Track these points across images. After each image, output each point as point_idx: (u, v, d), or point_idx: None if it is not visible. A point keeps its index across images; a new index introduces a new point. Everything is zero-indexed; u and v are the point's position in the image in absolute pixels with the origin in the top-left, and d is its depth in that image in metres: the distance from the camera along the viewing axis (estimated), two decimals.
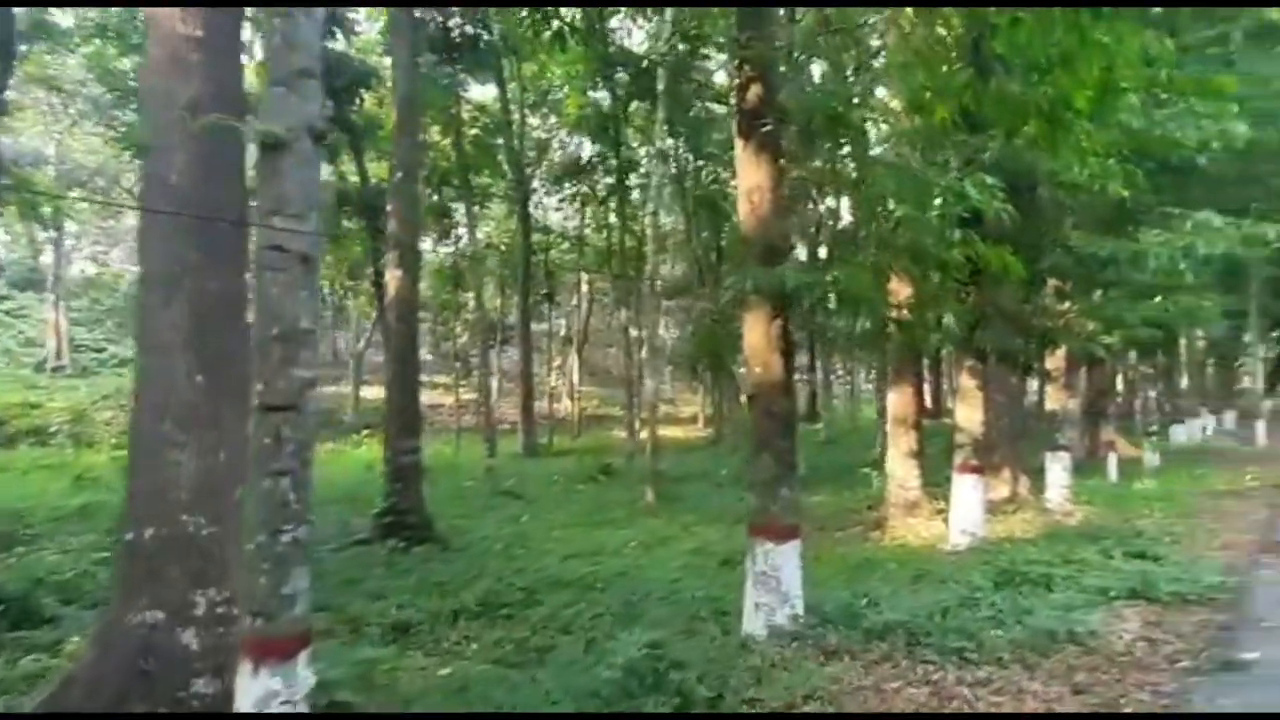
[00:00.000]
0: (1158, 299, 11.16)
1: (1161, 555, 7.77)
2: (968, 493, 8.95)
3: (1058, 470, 11.34)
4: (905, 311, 8.71)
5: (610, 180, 24.34)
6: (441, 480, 18.25)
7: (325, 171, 25.63)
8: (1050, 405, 11.57)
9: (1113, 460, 14.07)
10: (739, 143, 6.01)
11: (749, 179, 5.89)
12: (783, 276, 5.63)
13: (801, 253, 16.94)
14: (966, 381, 8.90)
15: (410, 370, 10.36)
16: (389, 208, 10.77)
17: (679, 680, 4.62)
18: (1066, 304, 11.12)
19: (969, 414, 8.92)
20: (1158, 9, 9.12)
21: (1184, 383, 23.48)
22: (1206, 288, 20.01)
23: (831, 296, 5.64)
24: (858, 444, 22.30)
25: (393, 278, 10.15)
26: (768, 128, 5.65)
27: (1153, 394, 19.57)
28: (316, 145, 3.39)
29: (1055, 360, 11.39)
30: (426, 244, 29.15)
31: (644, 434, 21.03)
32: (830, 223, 17.46)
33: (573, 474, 18.64)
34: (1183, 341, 22.16)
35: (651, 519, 12.76)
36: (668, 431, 33.78)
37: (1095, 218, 8.31)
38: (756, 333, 5.90)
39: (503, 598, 7.48)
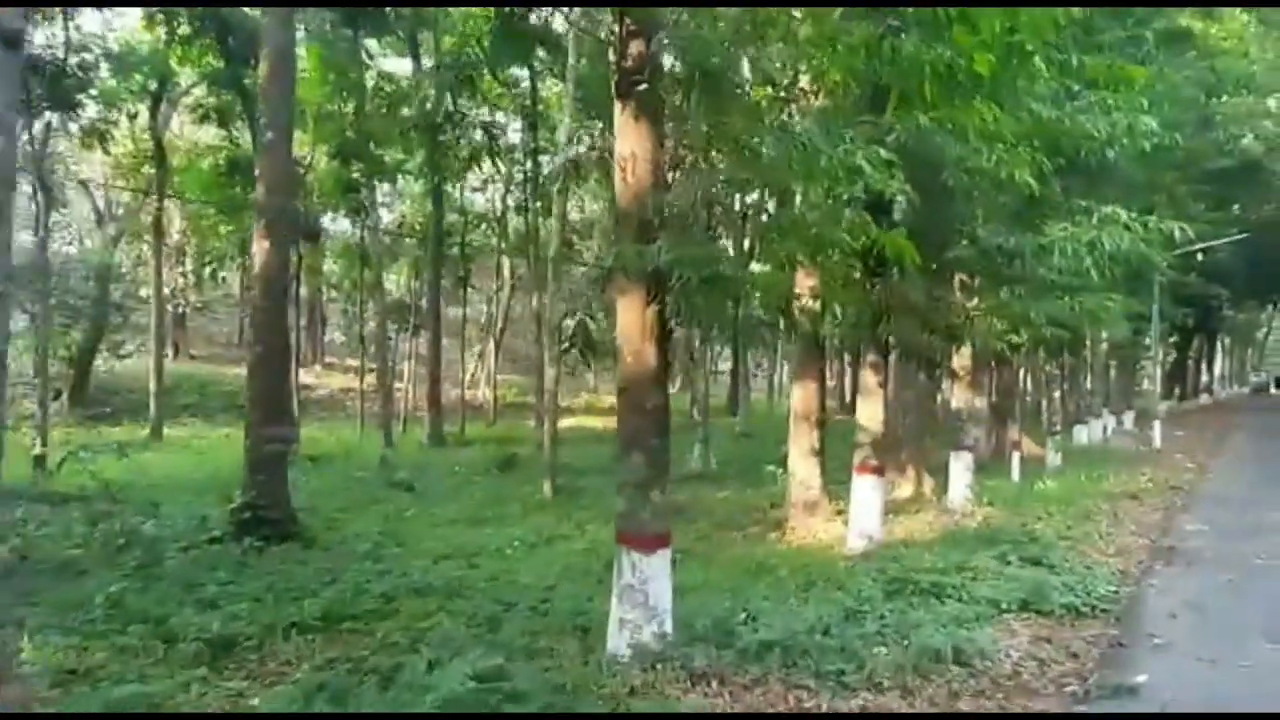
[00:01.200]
0: (1065, 299, 11.09)
1: (1056, 563, 7.51)
2: (867, 494, 8.57)
3: (960, 470, 11.14)
4: (807, 301, 8.27)
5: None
6: (332, 470, 17.23)
7: (212, 135, 24.13)
8: (956, 404, 11.31)
9: (1016, 460, 14.04)
10: (617, 106, 5.36)
11: (625, 145, 5.26)
12: (652, 255, 5.02)
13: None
14: (869, 378, 8.50)
15: (275, 351, 9.41)
16: (256, 172, 9.76)
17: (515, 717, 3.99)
18: (974, 300, 10.91)
19: (870, 412, 8.53)
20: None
21: (1089, 384, 24.03)
22: (1113, 289, 20.45)
23: (693, 279, 4.99)
24: (773, 438, 22.09)
25: (259, 249, 9.18)
26: (644, 87, 5.02)
27: (1057, 394, 19.83)
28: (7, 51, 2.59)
29: (963, 358, 11.14)
30: (340, 222, 27.99)
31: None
32: (755, 214, 17.07)
33: (475, 464, 17.83)
34: (1089, 343, 22.62)
35: (545, 515, 12.10)
36: (587, 421, 33.22)
37: (1003, 210, 8.01)
38: (627, 318, 5.28)
39: (354, 607, 6.70)
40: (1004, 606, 6.24)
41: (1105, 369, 26.98)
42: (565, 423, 33.28)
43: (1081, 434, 19.98)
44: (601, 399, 39.10)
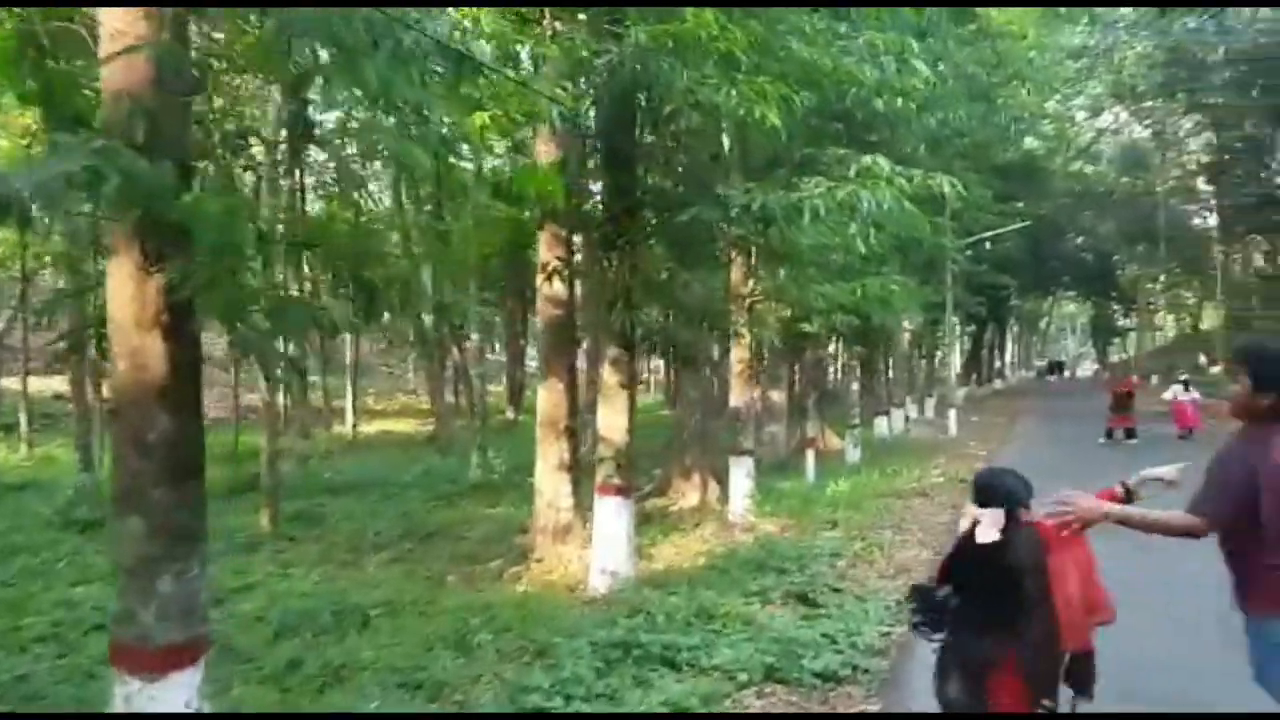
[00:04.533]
0: (848, 283, 10.03)
1: (823, 599, 6.16)
2: (610, 521, 6.92)
3: (740, 477, 9.82)
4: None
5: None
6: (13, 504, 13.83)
7: None
8: (734, 402, 9.98)
9: (810, 459, 13.05)
10: None
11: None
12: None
13: None
14: (609, 377, 6.84)
15: None
16: None
17: None
18: (751, 284, 9.60)
19: (612, 419, 6.88)
20: None
21: (891, 373, 24.13)
22: (906, 274, 20.25)
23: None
24: (643, 435, 20.33)
25: None
26: None
27: (855, 386, 19.42)
28: None
29: (741, 350, 9.80)
30: None
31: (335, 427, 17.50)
32: None
33: (213, 488, 14.91)
34: (889, 332, 22.55)
35: (254, 555, 9.71)
36: (398, 425, 30.36)
37: (759, 165, 6.66)
38: (119, 299, 3.24)
39: None
40: (743, 679, 4.72)
41: (907, 358, 27.40)
42: (370, 427, 30.47)
43: (883, 425, 19.69)
44: (421, 400, 36.13)
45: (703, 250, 6.59)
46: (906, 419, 22.35)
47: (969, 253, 29.61)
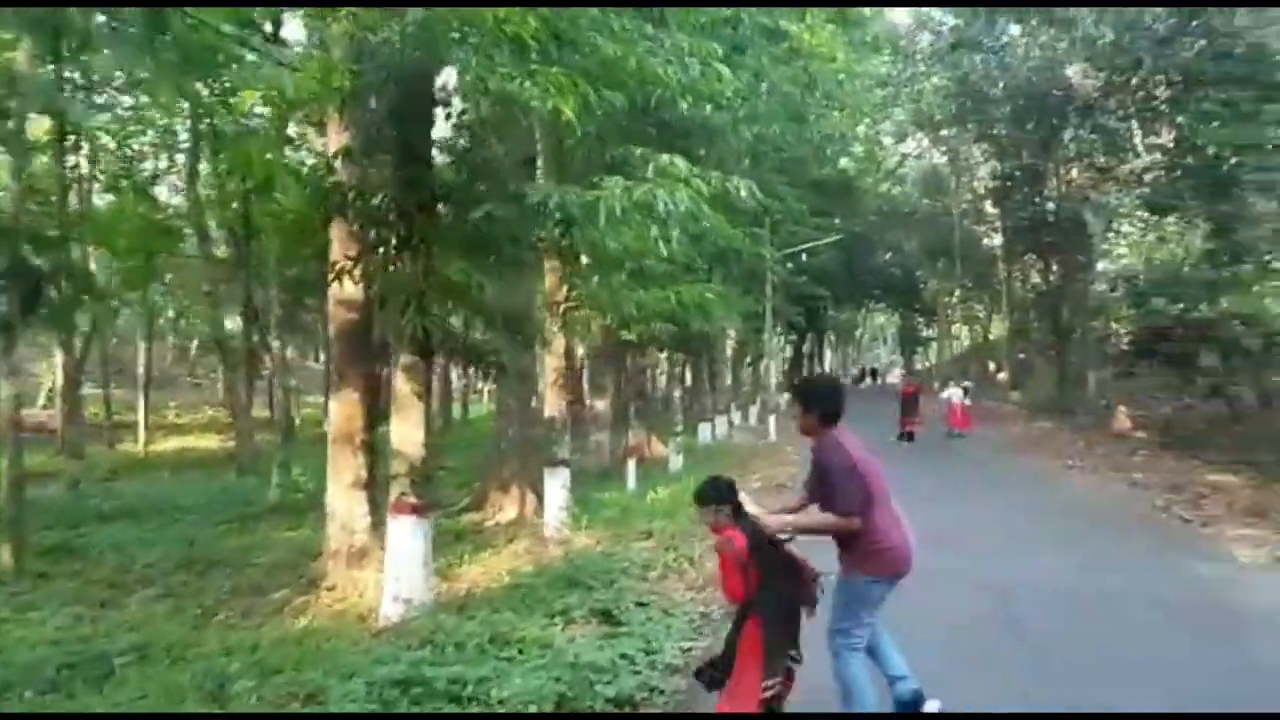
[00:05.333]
0: (662, 289, 9.97)
1: (628, 616, 5.92)
2: (404, 543, 6.37)
3: (555, 489, 9.48)
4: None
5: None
6: None
7: None
8: (549, 411, 9.64)
9: (632, 467, 12.94)
10: None
11: None
12: None
13: None
14: (402, 386, 6.29)
15: None
16: None
17: None
18: (565, 290, 9.31)
19: (407, 431, 6.34)
20: None
21: (716, 380, 24.72)
22: (730, 281, 20.74)
23: None
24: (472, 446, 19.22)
25: None
26: None
27: (678, 393, 19.68)
28: None
29: (555, 358, 9.48)
30: None
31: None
32: None
33: None
34: (713, 339, 23.07)
35: None
36: (201, 441, 27.64)
37: (579, 169, 6.39)
38: None
39: None
40: (532, 711, 4.37)
41: (732, 365, 28.21)
42: (167, 444, 27.55)
43: (707, 432, 20.03)
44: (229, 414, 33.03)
45: (503, 252, 6.20)
46: (730, 425, 22.92)
47: (789, 265, 31.05)
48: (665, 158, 5.37)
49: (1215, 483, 11.17)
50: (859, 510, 3.49)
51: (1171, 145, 19.16)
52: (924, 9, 27.77)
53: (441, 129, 6.52)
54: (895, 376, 67.68)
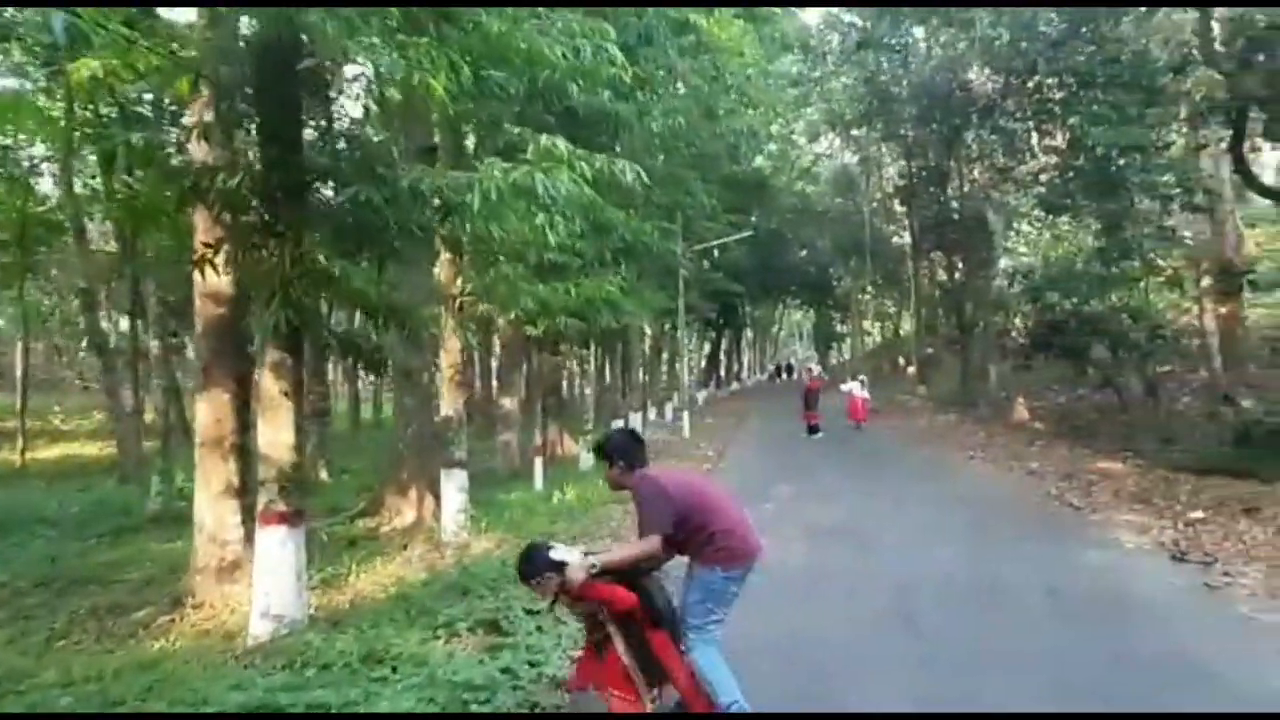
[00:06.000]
0: (563, 284, 9.66)
1: (513, 628, 5.59)
2: (274, 555, 5.88)
3: (453, 492, 9.06)
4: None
5: None
6: None
7: None
8: (446, 410, 9.20)
9: (539, 467, 12.57)
10: None
11: None
12: None
13: None
14: (270, 385, 5.80)
15: None
16: None
17: None
18: (460, 283, 8.89)
19: (275, 434, 5.84)
20: None
21: (633, 377, 24.54)
22: (645, 277, 20.54)
23: None
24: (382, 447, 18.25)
25: None
26: None
27: (589, 390, 19.37)
28: None
29: (450, 354, 9.05)
30: None
31: None
32: None
33: None
34: (627, 335, 22.88)
35: None
36: (88, 448, 25.85)
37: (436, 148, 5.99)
38: None
39: None
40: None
41: (647, 362, 28.07)
42: (50, 451, 25.64)
43: None
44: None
45: (381, 241, 5.77)
46: (645, 422, 22.74)
47: (705, 262, 31.14)
48: (545, 138, 5.05)
49: (1104, 470, 11.56)
50: (665, 529, 3.67)
51: (1065, 147, 19.88)
52: (832, 9, 28.20)
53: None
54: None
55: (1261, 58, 12.01)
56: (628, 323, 16.79)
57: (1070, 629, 5.34)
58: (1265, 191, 19.47)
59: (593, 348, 23.91)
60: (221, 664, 5.66)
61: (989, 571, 6.76)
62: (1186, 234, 19.10)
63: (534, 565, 3.66)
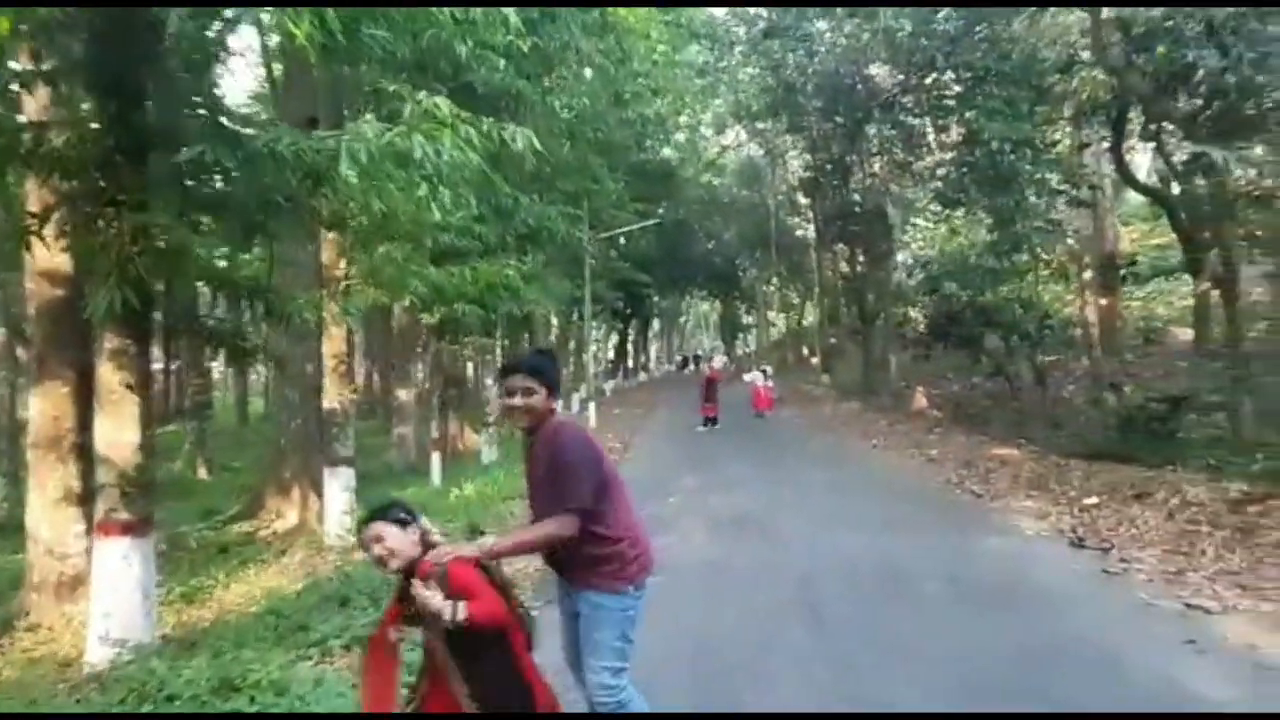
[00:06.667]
0: (460, 267, 9.10)
1: None
2: (115, 570, 5.17)
3: (337, 491, 8.41)
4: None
5: None
6: None
7: None
8: (329, 403, 8.51)
9: (436, 461, 11.93)
10: None
11: None
12: None
13: None
14: (109, 376, 5.08)
15: None
16: None
17: None
18: (344, 264, 8.22)
19: (115, 432, 5.13)
20: None
21: None
22: (552, 265, 19.99)
23: None
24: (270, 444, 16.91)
25: None
26: None
27: (490, 381, 18.71)
28: None
29: (333, 343, 8.36)
30: None
31: None
32: None
33: None
34: (536, 324, 22.31)
35: None
36: None
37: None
38: None
39: None
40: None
41: (557, 351, 27.43)
42: None
43: None
44: None
45: (244, 213, 5.12)
46: None
47: (613, 251, 30.78)
48: (425, 95, 4.51)
49: (1001, 456, 11.79)
50: (589, 503, 2.79)
51: (960, 141, 20.42)
52: None
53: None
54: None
55: (1141, 59, 12.46)
56: (532, 311, 16.23)
57: (976, 619, 5.22)
58: (1143, 189, 20.50)
59: (499, 337, 23.24)
60: (51, 696, 4.95)
61: (894, 561, 6.64)
62: (1071, 229, 19.95)
63: (399, 511, 2.71)
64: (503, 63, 7.37)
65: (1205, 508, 7.04)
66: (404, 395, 14.16)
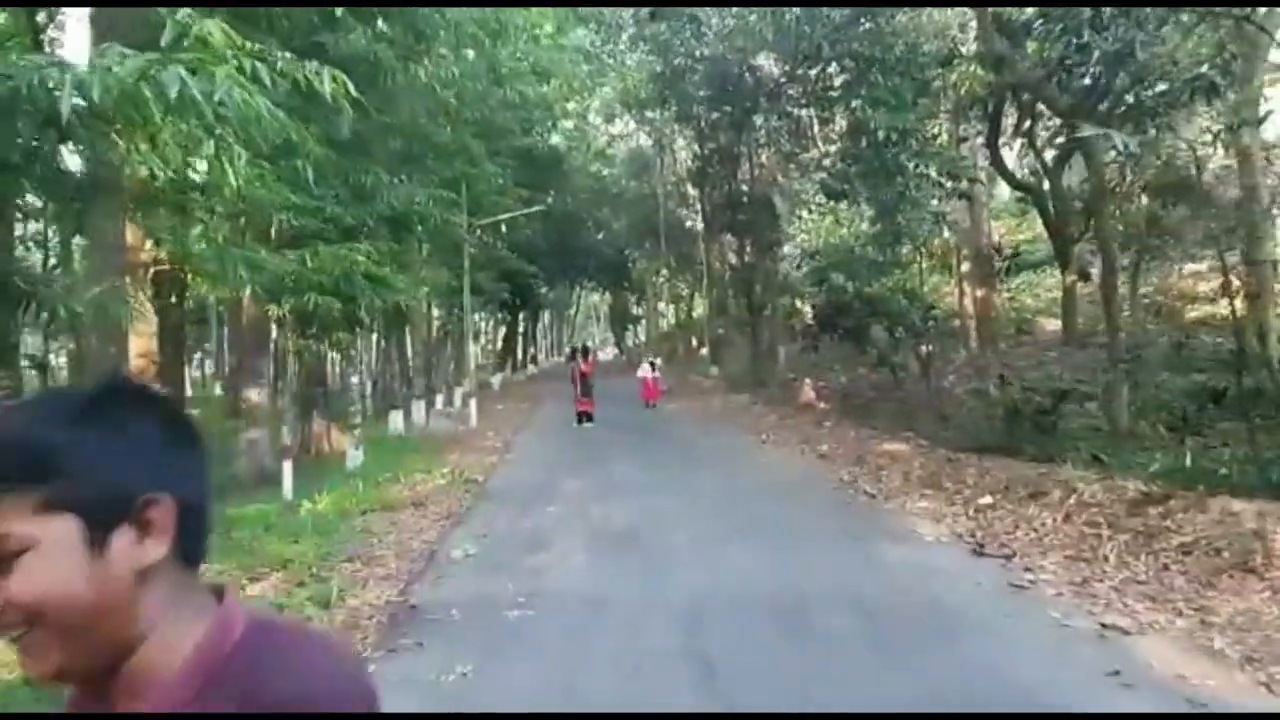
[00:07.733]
0: (301, 251, 7.92)
1: None
2: None
3: None
4: None
5: None
6: None
7: None
8: None
9: (288, 470, 10.60)
10: None
11: None
12: None
13: None
14: None
15: None
16: None
17: None
18: (151, 245, 6.92)
19: None
20: None
21: (416, 361, 22.52)
22: (431, 256, 18.70)
23: None
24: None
25: None
26: None
27: (356, 379, 17.35)
28: None
29: (141, 336, 7.04)
30: None
31: None
32: None
33: None
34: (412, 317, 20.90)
35: None
36: None
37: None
38: None
39: None
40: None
41: (432, 345, 26.10)
42: None
43: (397, 420, 17.88)
44: None
45: None
46: (429, 411, 20.89)
47: (499, 241, 29.46)
48: (187, 13, 3.43)
49: (891, 452, 11.54)
50: None
51: (845, 132, 20.39)
52: None
53: None
54: (608, 354, 69.22)
55: (1030, 46, 12.47)
56: (404, 303, 14.96)
57: (884, 655, 4.63)
58: (1016, 184, 21.03)
59: (374, 331, 21.67)
60: None
61: (790, 583, 6.02)
62: (950, 221, 20.29)
63: None
64: (361, 30, 6.27)
65: (1104, 508, 6.78)
66: (254, 396, 12.67)
